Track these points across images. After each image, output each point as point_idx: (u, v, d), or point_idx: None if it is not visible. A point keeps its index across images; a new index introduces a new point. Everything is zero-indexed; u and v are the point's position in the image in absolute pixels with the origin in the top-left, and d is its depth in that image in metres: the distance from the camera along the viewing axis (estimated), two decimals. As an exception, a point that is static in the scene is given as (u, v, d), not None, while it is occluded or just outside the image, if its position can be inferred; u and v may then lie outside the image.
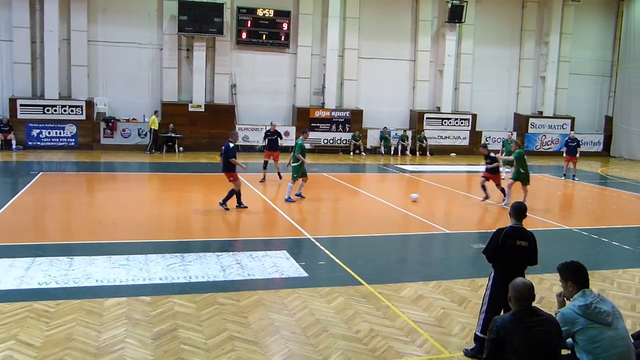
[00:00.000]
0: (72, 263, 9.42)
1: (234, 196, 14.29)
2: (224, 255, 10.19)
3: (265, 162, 19.10)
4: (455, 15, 29.70)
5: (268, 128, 20.67)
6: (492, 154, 16.64)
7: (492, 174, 16.61)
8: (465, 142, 31.07)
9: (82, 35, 26.11)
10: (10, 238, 11.18)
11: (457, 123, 31.04)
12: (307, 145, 28.44)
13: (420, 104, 30.92)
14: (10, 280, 8.60)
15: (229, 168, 14.26)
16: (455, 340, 7.07)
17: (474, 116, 31.30)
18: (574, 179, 22.12)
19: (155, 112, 26.58)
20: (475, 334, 6.69)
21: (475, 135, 31.15)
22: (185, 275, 9.09)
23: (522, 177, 16.11)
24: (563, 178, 22.43)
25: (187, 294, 8.22)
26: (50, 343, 6.56)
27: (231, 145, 14.27)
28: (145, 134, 26.58)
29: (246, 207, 14.39)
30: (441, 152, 30.24)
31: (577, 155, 22.70)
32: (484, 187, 16.44)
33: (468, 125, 31.11)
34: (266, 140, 19.84)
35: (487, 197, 16.44)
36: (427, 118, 30.66)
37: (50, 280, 8.59)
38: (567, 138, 23.96)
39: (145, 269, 9.29)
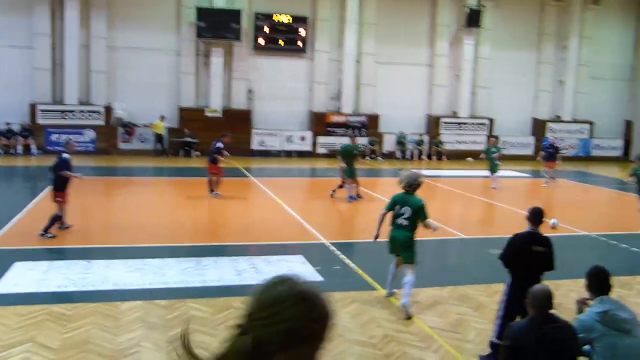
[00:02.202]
0: (89, 266, 9.51)
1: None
2: (240, 260, 10.21)
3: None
4: (473, 20, 29.55)
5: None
6: None
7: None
8: (483, 147, 30.84)
9: (101, 42, 26.37)
10: (29, 241, 11.31)
11: (474, 128, 30.87)
12: (323, 150, 28.72)
13: (437, 108, 30.79)
14: (28, 282, 8.70)
15: (59, 186, 11.51)
16: (470, 347, 7.01)
17: (491, 121, 31.10)
18: (545, 185, 21.09)
19: (162, 117, 26.68)
20: (490, 340, 6.62)
21: (496, 140, 30.88)
22: (201, 279, 9.12)
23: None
24: (546, 186, 21.16)
25: (202, 298, 8.24)
26: (67, 346, 6.62)
27: (65, 156, 11.66)
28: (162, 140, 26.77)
29: (55, 236, 11.38)
30: (458, 157, 30.08)
31: (557, 161, 21.72)
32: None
33: (485, 130, 30.92)
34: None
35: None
36: (443, 122, 30.53)
37: (68, 284, 8.68)
38: (545, 143, 22.88)
39: (161, 273, 9.34)
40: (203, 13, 26.31)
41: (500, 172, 20.67)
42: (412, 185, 8.29)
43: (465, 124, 30.74)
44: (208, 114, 27.42)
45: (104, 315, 7.51)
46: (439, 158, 29.67)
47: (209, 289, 8.69)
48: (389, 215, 8.48)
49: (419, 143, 29.78)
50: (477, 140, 30.79)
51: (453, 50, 30.76)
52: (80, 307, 7.77)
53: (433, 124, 30.45)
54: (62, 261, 9.76)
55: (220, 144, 16.57)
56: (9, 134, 25.20)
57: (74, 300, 8.01)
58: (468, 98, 30.77)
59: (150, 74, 27.32)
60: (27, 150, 25.09)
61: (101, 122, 26.23)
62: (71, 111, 25.96)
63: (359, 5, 28.81)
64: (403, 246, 8.25)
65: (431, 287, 9.15)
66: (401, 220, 8.21)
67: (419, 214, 8.14)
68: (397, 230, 8.29)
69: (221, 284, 8.93)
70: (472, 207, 17.25)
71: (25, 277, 8.96)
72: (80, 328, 7.10)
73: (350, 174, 16.31)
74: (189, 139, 26.82)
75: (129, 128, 26.53)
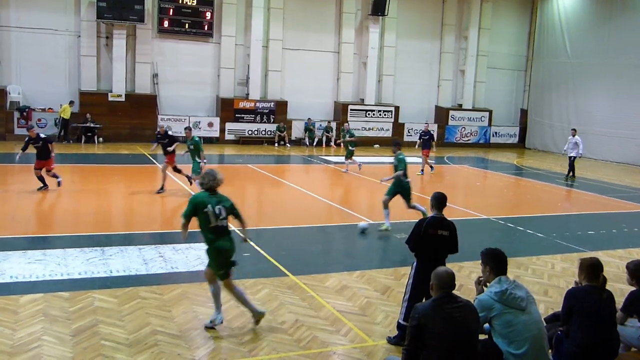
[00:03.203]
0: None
1: None
2: (147, 249, 9.98)
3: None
4: (379, 8, 30.11)
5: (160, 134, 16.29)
6: None
7: None
8: (389, 134, 31.63)
9: (-8, 20, 24.77)
10: None
11: (380, 115, 31.56)
12: (231, 137, 28.46)
13: (344, 95, 31.22)
14: None
15: None
16: (379, 329, 7.23)
17: (397, 108, 31.91)
18: (422, 173, 21.14)
19: (71, 102, 25.58)
20: (398, 322, 6.85)
21: (397, 127, 31.78)
22: (106, 269, 8.84)
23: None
24: (421, 174, 21.04)
25: (107, 289, 8.00)
26: None
27: None
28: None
29: None
30: (365, 143, 30.66)
31: (432, 148, 22.05)
32: None
33: (391, 117, 31.70)
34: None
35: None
36: (351, 110, 31.00)
37: (-40, 278, 8.16)
38: (420, 131, 22.90)
39: (64, 264, 8.97)
40: (105, -7, 25.22)
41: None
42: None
43: (372, 111, 31.33)
44: (111, 99, 26.44)
45: (1, 310, 7.13)
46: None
47: (115, 279, 8.44)
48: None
49: (328, 130, 30.10)
50: (383, 127, 31.51)
51: (359, 38, 31.26)
52: (-25, 302, 7.33)
53: (340, 110, 30.83)
54: (-48, 254, 9.16)
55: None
56: None
57: (-33, 295, 7.55)
58: (374, 85, 31.40)
59: (47, 56, 26.02)
60: None
61: (-7, 106, 24.69)
62: (-40, 94, 24.24)
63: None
64: (231, 256, 7.00)
65: (339, 272, 9.32)
66: (221, 223, 6.89)
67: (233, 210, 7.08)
68: (227, 238, 6.95)
69: (127, 274, 8.69)
70: (379, 193, 17.65)
71: None
72: (-25, 324, 6.72)
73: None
74: (91, 124, 25.75)
75: (25, 112, 25.11)
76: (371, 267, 9.67)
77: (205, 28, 28.09)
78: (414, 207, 12.46)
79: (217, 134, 28.36)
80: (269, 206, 15.56)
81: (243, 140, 28.73)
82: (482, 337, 5.41)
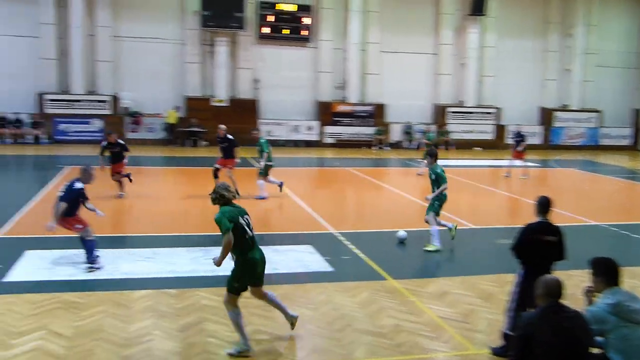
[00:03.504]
0: (101, 255, 9.52)
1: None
2: (249, 249, 10.22)
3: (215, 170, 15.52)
4: (478, 8, 29.39)
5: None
6: None
7: None
8: (490, 137, 30.79)
9: (106, 31, 26.40)
10: (38, 230, 11.34)
11: (481, 117, 30.77)
12: (330, 140, 28.74)
13: (443, 97, 30.70)
14: (40, 271, 8.75)
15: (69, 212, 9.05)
16: (481, 337, 7.03)
17: (499, 110, 30.99)
18: (511, 175, 20.32)
19: (177, 108, 26.79)
20: (502, 331, 6.62)
21: (499, 129, 30.85)
22: (211, 268, 9.12)
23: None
24: (518, 177, 20.27)
25: (212, 287, 8.28)
26: (80, 334, 6.67)
27: (77, 185, 9.21)
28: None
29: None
30: (465, 146, 30.02)
31: (522, 150, 20.69)
32: None
33: (492, 119, 30.83)
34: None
35: None
36: (450, 112, 30.45)
37: (79, 272, 8.73)
38: (513, 134, 21.95)
39: (171, 262, 9.38)
40: (207, 2, 26.35)
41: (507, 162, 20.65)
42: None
43: (471, 113, 30.62)
44: (214, 104, 27.42)
45: (115, 304, 7.56)
46: (446, 148, 29.63)
47: (219, 278, 8.71)
48: None
49: (426, 133, 29.70)
50: (485, 130, 30.71)
51: (457, 39, 30.63)
52: (92, 296, 7.81)
53: (439, 113, 30.35)
54: (73, 250, 9.77)
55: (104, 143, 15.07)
56: (17, 123, 25.31)
57: (86, 289, 8.05)
58: (474, 87, 30.66)
59: (155, 64, 27.36)
60: (36, 139, 25.26)
61: (108, 112, 26.28)
62: (78, 101, 26.04)
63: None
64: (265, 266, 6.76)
65: (441, 277, 9.17)
66: (253, 233, 6.60)
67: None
68: (257, 248, 6.68)
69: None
70: (480, 197, 17.22)
71: (36, 265, 9.01)
72: (93, 316, 7.15)
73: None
74: (195, 129, 26.83)
75: (136, 117, 26.59)
76: (473, 273, 9.43)
77: (304, 33, 28.54)
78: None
79: (316, 137, 28.71)
80: (367, 209, 15.55)
81: (341, 144, 28.93)
82: (595, 350, 5.12)
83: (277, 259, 9.70)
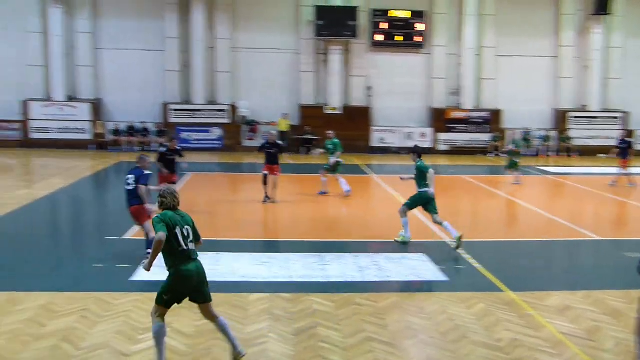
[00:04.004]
0: (218, 258, 9.92)
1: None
2: (362, 256, 10.25)
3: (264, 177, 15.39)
4: (602, 7, 27.76)
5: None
6: None
7: None
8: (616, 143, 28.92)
9: (226, 43, 27.58)
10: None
11: (606, 122, 29.02)
12: (444, 147, 28.26)
13: (564, 102, 29.26)
14: (164, 271, 9.19)
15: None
16: (608, 357, 6.58)
17: (626, 114, 29.07)
18: (613, 184, 19.10)
19: (285, 115, 27.41)
20: (637, 353, 6.13)
21: (628, 134, 28.89)
22: (324, 274, 9.25)
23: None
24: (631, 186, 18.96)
25: (325, 293, 8.35)
26: (200, 333, 6.96)
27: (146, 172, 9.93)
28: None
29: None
30: (589, 153, 28.41)
31: (629, 157, 19.54)
32: None
33: (619, 124, 28.94)
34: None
35: None
36: (572, 117, 28.96)
37: (199, 275, 9.10)
38: (619, 139, 20.52)
39: (286, 267, 9.58)
40: (321, 11, 26.79)
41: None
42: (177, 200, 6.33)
43: (596, 117, 28.98)
44: (328, 111, 27.80)
45: (232, 306, 7.81)
46: (568, 154, 28.21)
47: (332, 284, 8.79)
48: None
49: (546, 139, 28.48)
50: (610, 136, 28.90)
51: (580, 40, 29.09)
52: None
53: (560, 118, 28.97)
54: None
55: (162, 149, 14.24)
56: (144, 132, 26.99)
57: (205, 291, 8.38)
58: (598, 90, 29.00)
59: (271, 73, 28.20)
60: (160, 147, 26.74)
61: (227, 121, 27.40)
62: (199, 110, 27.36)
63: (478, -3, 28.00)
64: (204, 281, 6.29)
65: (562, 291, 8.69)
66: (189, 247, 6.19)
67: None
68: (193, 261, 6.21)
69: (344, 280, 9.00)
70: (605, 207, 16.22)
71: (161, 266, 9.48)
72: (212, 317, 7.42)
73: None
74: (309, 136, 27.33)
75: (252, 126, 27.54)
76: (598, 287, 8.86)
77: (417, 39, 28.29)
78: (439, 223, 11.04)
79: (430, 145, 28.34)
80: (483, 218, 15.11)
81: (456, 151, 28.34)
82: None
83: (390, 267, 9.64)
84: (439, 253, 10.77)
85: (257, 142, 27.40)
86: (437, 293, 8.50)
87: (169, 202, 6.19)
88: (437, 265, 9.80)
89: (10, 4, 26.65)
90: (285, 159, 24.99)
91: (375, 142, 28.24)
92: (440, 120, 28.40)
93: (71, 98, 27.26)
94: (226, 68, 27.71)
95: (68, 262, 9.93)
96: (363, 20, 27.61)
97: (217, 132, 27.43)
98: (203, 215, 14.36)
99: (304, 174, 21.78)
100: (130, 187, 9.66)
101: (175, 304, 6.23)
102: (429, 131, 28.41)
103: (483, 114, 28.53)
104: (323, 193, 16.42)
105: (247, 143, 27.40)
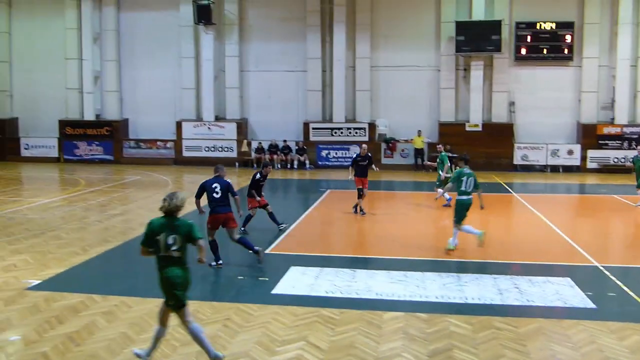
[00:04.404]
0: (355, 275, 10.03)
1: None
2: (501, 278, 9.87)
3: (360, 190, 15.74)
4: None
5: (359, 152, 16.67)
6: None
7: None
8: None
9: (365, 62, 27.97)
10: (303, 248, 12.36)
11: None
12: (594, 165, 26.51)
13: None
14: (302, 286, 9.48)
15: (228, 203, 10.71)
16: None
17: None
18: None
19: (419, 132, 27.16)
20: None
21: None
22: (462, 295, 9.02)
23: None
24: None
25: (462, 315, 8.13)
26: (334, 348, 7.05)
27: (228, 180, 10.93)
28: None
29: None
30: None
31: None
32: None
33: None
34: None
35: None
36: None
37: (336, 290, 9.25)
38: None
39: (422, 286, 9.45)
40: (462, 27, 26.37)
41: None
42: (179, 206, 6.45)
43: None
44: (468, 129, 27.20)
45: (368, 323, 7.84)
46: None
47: (470, 306, 8.54)
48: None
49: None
50: None
51: None
52: (347, 313, 8.21)
53: None
54: (331, 268, 10.43)
55: (258, 175, 13.48)
56: (286, 150, 28.01)
57: (341, 306, 8.49)
58: None
59: (410, 91, 28.18)
60: (301, 165, 27.66)
61: (365, 138, 27.66)
62: (339, 129, 27.92)
63: (634, 3, 26.07)
64: (180, 286, 6.37)
65: None
66: (172, 254, 6.33)
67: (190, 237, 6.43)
68: (170, 268, 6.35)
69: (482, 302, 8.71)
70: None
71: (300, 280, 9.78)
72: (347, 333, 7.51)
73: None
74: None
75: (391, 143, 27.62)
76: None
77: (565, 51, 26.89)
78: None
79: (577, 162, 26.74)
80: (638, 241, 13.96)
81: (607, 169, 26.49)
82: None
83: (532, 291, 9.19)
84: (586, 278, 10.12)
85: (396, 160, 27.59)
86: (584, 321, 7.95)
87: (166, 207, 6.41)
88: (583, 291, 9.18)
89: (168, 32, 28.98)
90: (422, 176, 24.80)
91: (517, 159, 27.14)
92: (590, 136, 26.70)
93: (218, 118, 29.00)
94: (365, 87, 28.08)
95: (214, 273, 10.48)
96: (506, 34, 26.78)
97: (356, 150, 27.77)
98: (340, 232, 14.60)
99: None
100: (218, 195, 10.53)
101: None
102: (576, 148, 26.81)
103: (638, 129, 26.44)
104: (447, 205, 16.64)
105: (385, 160, 27.46)
